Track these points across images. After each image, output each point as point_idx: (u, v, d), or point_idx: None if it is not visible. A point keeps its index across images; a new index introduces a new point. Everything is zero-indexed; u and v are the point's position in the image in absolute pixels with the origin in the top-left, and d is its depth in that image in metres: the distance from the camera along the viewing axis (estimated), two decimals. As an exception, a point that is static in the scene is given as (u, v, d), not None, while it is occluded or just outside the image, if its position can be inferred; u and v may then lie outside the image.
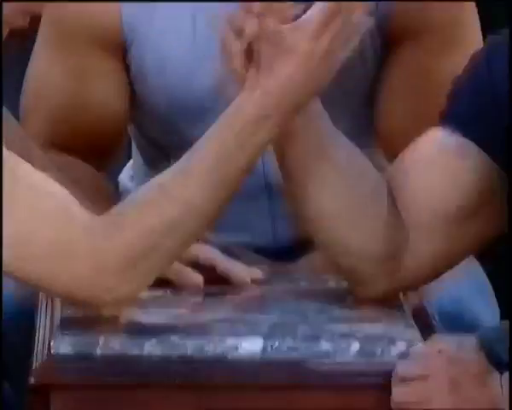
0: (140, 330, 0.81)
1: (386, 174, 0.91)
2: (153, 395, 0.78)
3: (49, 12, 0.98)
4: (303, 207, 0.89)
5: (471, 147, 0.87)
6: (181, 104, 1.03)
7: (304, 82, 0.81)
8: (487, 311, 1.06)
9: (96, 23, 0.98)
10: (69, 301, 0.84)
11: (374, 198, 0.89)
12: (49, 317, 0.86)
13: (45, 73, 1.06)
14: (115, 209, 0.82)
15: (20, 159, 0.80)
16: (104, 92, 1.04)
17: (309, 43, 0.79)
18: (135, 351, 0.78)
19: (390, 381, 0.77)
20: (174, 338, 0.79)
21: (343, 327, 0.82)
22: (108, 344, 0.79)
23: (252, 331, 0.81)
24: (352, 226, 0.88)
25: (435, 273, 0.91)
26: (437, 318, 0.93)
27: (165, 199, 0.81)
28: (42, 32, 1.06)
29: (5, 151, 0.79)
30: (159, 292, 0.89)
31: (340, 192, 0.88)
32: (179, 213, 0.81)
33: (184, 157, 0.81)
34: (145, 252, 0.81)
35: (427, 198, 0.88)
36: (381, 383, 0.77)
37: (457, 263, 0.91)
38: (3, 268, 0.78)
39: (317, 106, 0.85)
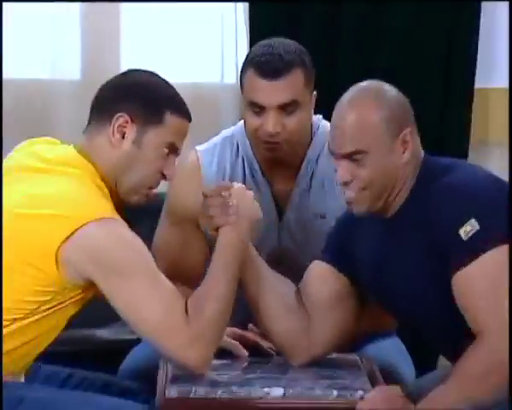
0: (215, 383, 1.47)
1: (300, 284, 1.61)
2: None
3: (168, 201, 1.75)
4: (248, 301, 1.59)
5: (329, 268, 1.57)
6: None
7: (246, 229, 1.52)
8: (405, 365, 1.73)
9: (190, 212, 1.69)
10: (173, 363, 1.49)
11: (287, 299, 1.58)
12: (165, 373, 1.52)
13: (163, 236, 1.81)
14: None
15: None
16: (197, 248, 1.77)
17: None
18: (212, 395, 1.44)
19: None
20: (234, 388, 1.45)
21: (328, 382, 1.48)
22: (196, 392, 1.44)
23: (277, 384, 1.47)
24: (274, 318, 1.57)
25: (334, 343, 1.58)
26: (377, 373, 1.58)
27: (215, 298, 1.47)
28: (164, 208, 1.81)
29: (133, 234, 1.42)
30: (223, 361, 1.57)
31: (267, 296, 1.57)
32: (225, 302, 1.46)
33: (210, 273, 1.48)
34: (215, 337, 1.47)
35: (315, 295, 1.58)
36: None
37: (344, 337, 1.58)
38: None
39: (252, 251, 1.57)
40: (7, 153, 1.61)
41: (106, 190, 1.49)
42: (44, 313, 1.43)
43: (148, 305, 1.41)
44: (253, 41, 2.48)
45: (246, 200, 1.54)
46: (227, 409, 1.43)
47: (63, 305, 1.44)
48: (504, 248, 1.34)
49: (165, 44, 2.72)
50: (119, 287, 1.41)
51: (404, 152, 1.45)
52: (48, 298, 1.42)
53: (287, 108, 1.68)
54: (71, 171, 1.46)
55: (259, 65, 1.68)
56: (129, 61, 2.67)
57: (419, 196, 1.44)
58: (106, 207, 1.44)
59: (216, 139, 1.83)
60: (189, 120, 1.56)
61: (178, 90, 1.58)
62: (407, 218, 1.46)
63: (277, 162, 1.74)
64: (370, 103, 1.44)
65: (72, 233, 1.38)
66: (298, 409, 1.43)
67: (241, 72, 1.75)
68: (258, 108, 1.68)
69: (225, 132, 1.84)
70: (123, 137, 1.50)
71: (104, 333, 2.43)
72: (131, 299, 1.42)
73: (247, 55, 1.77)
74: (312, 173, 1.76)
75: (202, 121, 2.17)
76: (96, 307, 1.51)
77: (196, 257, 1.77)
